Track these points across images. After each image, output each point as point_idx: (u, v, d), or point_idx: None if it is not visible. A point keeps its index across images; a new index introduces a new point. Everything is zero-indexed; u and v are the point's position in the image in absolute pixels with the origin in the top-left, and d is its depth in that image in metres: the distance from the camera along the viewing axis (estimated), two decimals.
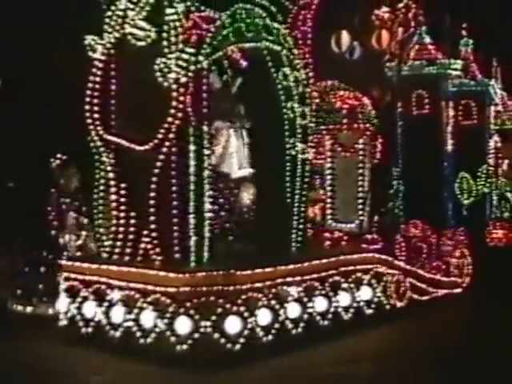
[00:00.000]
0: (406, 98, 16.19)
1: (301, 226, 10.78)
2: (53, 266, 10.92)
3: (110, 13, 9.80)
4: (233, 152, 10.78)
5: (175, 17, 9.16)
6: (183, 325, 8.56)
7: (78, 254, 10.97)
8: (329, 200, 12.56)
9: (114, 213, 9.87)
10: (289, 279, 9.51)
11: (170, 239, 9.23)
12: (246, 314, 8.84)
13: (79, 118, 10.56)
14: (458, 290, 13.50)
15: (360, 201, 12.32)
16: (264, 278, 9.20)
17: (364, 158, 12.32)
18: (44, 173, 11.81)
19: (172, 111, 9.09)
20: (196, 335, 8.53)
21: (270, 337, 9.17)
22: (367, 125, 12.31)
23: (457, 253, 13.54)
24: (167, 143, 9.21)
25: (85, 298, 9.64)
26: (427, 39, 16.36)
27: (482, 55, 19.06)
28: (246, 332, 8.82)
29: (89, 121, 9.99)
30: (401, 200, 15.25)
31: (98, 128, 9.92)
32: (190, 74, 9.07)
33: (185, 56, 9.06)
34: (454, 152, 16.91)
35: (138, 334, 8.95)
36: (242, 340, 8.74)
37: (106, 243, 10.00)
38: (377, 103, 12.96)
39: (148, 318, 8.87)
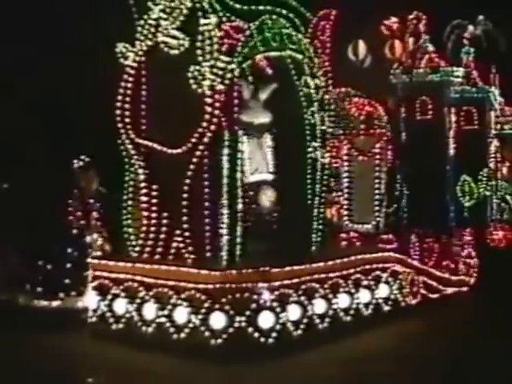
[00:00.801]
0: (411, 104, 16.70)
1: (320, 227, 11.29)
2: (78, 263, 11.24)
3: (142, 22, 10.22)
4: (245, 158, 11.16)
5: (209, 27, 9.61)
6: (218, 320, 9.02)
7: (98, 253, 11.31)
8: (346, 202, 13.08)
9: (145, 213, 10.28)
10: (316, 276, 10.01)
11: (202, 238, 9.69)
12: (278, 310, 9.33)
13: (104, 122, 11.02)
14: (465, 289, 14.04)
15: (376, 202, 12.84)
16: (294, 275, 9.68)
17: (381, 162, 12.84)
18: (68, 173, 12.18)
19: (207, 117, 9.54)
20: (230, 330, 9.00)
21: (300, 331, 9.66)
22: (383, 130, 12.86)
23: (464, 253, 14.08)
24: (201, 147, 9.66)
25: (115, 296, 10.01)
26: (430, 47, 16.86)
27: (482, 63, 19.58)
28: (278, 327, 9.30)
29: (120, 125, 10.40)
30: (405, 202, 15.77)
31: (130, 132, 10.35)
32: (226, 82, 9.53)
33: (220, 64, 9.51)
34: (456, 156, 17.35)
35: (172, 329, 9.36)
36: (274, 334, 9.23)
37: (135, 242, 10.41)
38: (388, 109, 13.46)
39: (182, 313, 9.29)
